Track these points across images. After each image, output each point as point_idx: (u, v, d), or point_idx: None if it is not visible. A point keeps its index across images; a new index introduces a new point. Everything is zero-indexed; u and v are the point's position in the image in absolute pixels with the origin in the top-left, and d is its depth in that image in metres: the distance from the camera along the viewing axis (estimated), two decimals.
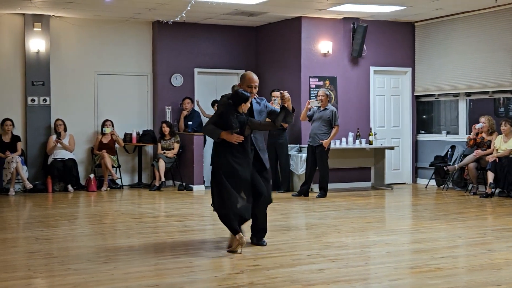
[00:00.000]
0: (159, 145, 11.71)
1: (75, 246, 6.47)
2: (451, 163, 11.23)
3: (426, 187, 11.71)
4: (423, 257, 5.89)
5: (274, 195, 10.64)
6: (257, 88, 6.35)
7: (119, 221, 8.12)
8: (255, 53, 12.80)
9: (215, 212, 6.21)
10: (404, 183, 12.39)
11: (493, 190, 10.15)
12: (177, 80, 12.20)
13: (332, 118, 10.23)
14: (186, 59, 12.24)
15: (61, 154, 11.16)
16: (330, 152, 10.47)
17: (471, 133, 10.77)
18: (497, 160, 10.15)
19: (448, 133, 11.99)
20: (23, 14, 11.21)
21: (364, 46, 11.65)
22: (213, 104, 11.90)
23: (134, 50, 12.12)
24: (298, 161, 10.98)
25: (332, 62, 11.64)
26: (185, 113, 11.93)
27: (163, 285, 4.91)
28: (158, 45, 12.05)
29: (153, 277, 5.23)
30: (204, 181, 11.35)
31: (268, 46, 12.44)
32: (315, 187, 10.66)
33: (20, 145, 11.10)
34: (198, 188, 11.24)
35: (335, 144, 10.99)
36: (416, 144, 12.49)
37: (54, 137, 11.22)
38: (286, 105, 6.28)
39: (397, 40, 12.21)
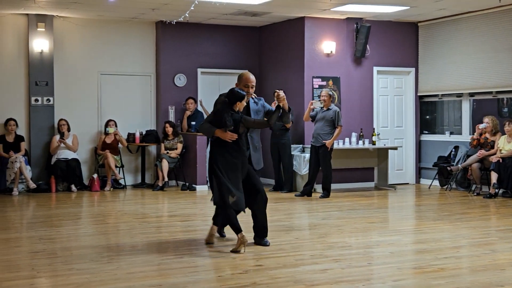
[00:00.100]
0: (162, 145, 11.72)
1: (79, 246, 6.48)
2: (454, 164, 11.21)
3: (429, 188, 11.70)
4: (427, 257, 5.89)
5: (277, 195, 10.69)
6: (253, 88, 6.41)
7: (122, 221, 8.12)
8: (258, 53, 12.80)
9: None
10: (408, 183, 12.38)
11: (496, 190, 10.13)
12: (180, 80, 12.21)
13: (335, 118, 10.22)
14: (189, 59, 12.25)
15: (65, 154, 11.18)
16: (333, 152, 10.47)
17: (475, 134, 10.76)
18: (501, 161, 10.13)
19: (451, 133, 11.97)
20: (27, 14, 11.23)
21: (368, 46, 11.65)
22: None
23: (137, 50, 12.14)
24: (301, 161, 10.98)
25: (335, 62, 11.63)
26: (188, 113, 11.94)
27: (166, 285, 4.92)
28: (162, 45, 12.06)
29: (156, 277, 5.24)
30: (207, 181, 11.34)
31: (271, 46, 12.44)
32: (318, 187, 10.66)
33: (23, 145, 11.12)
34: (201, 188, 11.24)
35: (338, 144, 10.98)
36: (419, 145, 12.48)
37: (57, 137, 11.24)
38: (281, 104, 6.30)
39: (401, 40, 12.20)
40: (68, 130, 11.34)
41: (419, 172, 12.48)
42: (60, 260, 5.76)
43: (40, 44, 11.30)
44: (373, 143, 11.42)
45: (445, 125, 12.38)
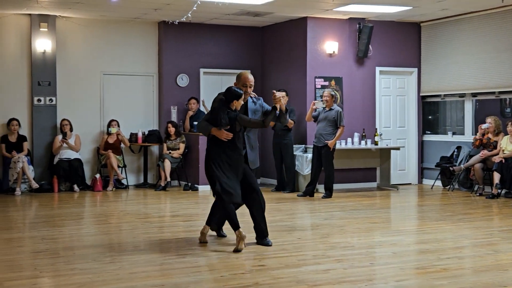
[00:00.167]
0: (165, 145, 11.73)
1: (81, 246, 6.48)
2: (457, 164, 11.20)
3: (432, 188, 11.69)
4: (429, 257, 5.88)
5: (279, 195, 10.69)
6: (252, 88, 6.47)
7: (125, 221, 8.13)
8: (261, 53, 12.80)
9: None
10: (410, 183, 12.37)
11: (499, 191, 10.12)
12: (183, 80, 12.22)
13: (337, 119, 10.22)
14: (192, 59, 12.25)
15: (67, 154, 11.19)
16: (336, 153, 10.46)
17: (477, 134, 10.75)
18: (503, 161, 10.12)
19: (454, 133, 11.96)
20: (30, 14, 11.24)
21: (370, 47, 11.64)
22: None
23: (140, 50, 12.14)
24: (304, 161, 10.98)
25: (337, 63, 11.63)
26: (190, 113, 11.94)
27: (168, 285, 4.92)
28: (164, 45, 12.07)
29: (159, 277, 5.24)
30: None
31: (274, 46, 12.44)
32: (321, 188, 10.65)
33: (26, 145, 11.14)
34: (203, 188, 11.23)
35: (341, 145, 10.98)
36: (422, 145, 12.47)
37: (60, 137, 11.25)
38: (277, 105, 6.32)
39: (403, 41, 12.19)
40: (71, 130, 11.35)
41: (422, 172, 12.47)
42: (63, 260, 5.77)
43: (43, 44, 11.31)
44: (376, 143, 11.41)
45: (448, 125, 12.37)
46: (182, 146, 11.68)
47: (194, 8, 9.80)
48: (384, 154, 11.67)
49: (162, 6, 10.36)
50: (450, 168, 11.15)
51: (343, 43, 11.64)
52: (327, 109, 10.32)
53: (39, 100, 11.36)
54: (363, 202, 9.78)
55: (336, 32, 11.60)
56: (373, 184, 11.87)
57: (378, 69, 11.99)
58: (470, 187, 11.04)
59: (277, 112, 6.37)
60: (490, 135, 10.61)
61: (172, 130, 11.65)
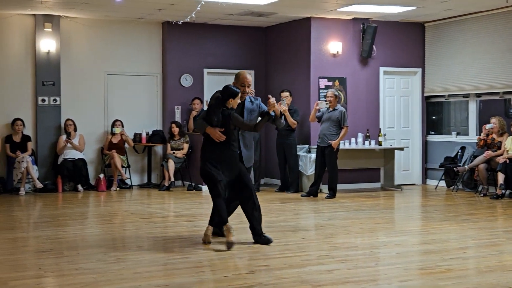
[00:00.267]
0: (169, 145, 11.74)
1: (85, 246, 6.49)
2: (461, 164, 11.18)
3: (435, 188, 11.67)
4: (433, 258, 5.88)
5: (283, 195, 10.68)
6: (250, 87, 6.59)
7: (129, 221, 8.14)
8: (265, 53, 12.80)
9: None
10: (414, 184, 12.35)
11: (503, 191, 10.10)
12: (187, 80, 12.23)
13: (341, 119, 10.21)
14: (196, 59, 12.26)
15: (71, 154, 11.20)
16: (339, 153, 10.46)
17: (481, 134, 10.72)
18: (508, 161, 10.10)
19: (458, 134, 11.94)
20: (34, 14, 11.26)
21: (374, 47, 11.63)
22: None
23: (144, 50, 12.16)
24: (307, 161, 10.97)
25: (341, 63, 11.62)
26: (194, 113, 11.94)
27: (172, 285, 4.92)
28: (168, 46, 12.08)
29: (163, 277, 5.25)
30: None
31: (278, 46, 12.44)
32: (324, 188, 10.65)
33: (30, 145, 11.16)
34: (207, 188, 11.21)
35: (344, 145, 10.97)
36: (426, 145, 12.45)
37: (64, 137, 11.27)
38: (271, 111, 6.38)
39: (407, 41, 12.17)
40: (75, 130, 11.37)
41: (426, 172, 12.46)
42: (67, 259, 5.77)
43: (47, 44, 11.33)
44: (379, 143, 11.40)
45: (452, 125, 12.35)
46: (186, 146, 11.69)
47: (198, 8, 9.81)
48: (388, 154, 11.66)
49: (166, 7, 10.37)
50: (454, 168, 11.13)
51: (347, 43, 11.63)
52: (330, 109, 10.32)
53: (43, 100, 11.38)
54: (367, 203, 9.77)
55: (340, 32, 11.59)
56: (377, 185, 11.86)
57: (382, 69, 11.98)
58: (474, 188, 11.02)
59: (272, 115, 6.42)
60: (494, 136, 10.59)
61: (176, 130, 11.66)
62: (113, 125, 11.58)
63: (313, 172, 10.65)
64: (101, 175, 11.24)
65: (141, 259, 5.81)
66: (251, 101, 6.62)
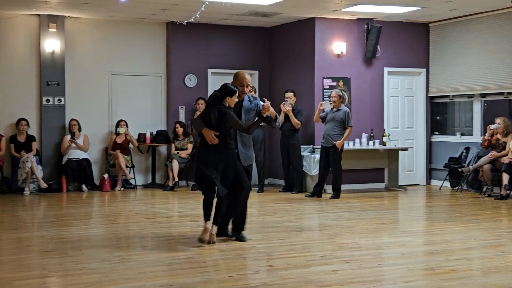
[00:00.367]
0: (173, 145, 11.75)
1: (90, 246, 6.50)
2: (465, 165, 11.16)
3: (440, 189, 11.65)
4: (438, 259, 5.87)
5: (287, 196, 10.68)
6: (249, 87, 6.65)
7: (133, 221, 8.14)
8: (269, 53, 12.80)
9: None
10: (418, 184, 12.34)
11: (508, 192, 10.07)
12: (191, 80, 12.23)
13: (345, 119, 10.21)
14: (200, 59, 12.27)
15: (76, 154, 11.22)
16: (344, 153, 10.45)
17: (486, 134, 10.70)
18: None
19: (462, 134, 11.92)
20: (39, 14, 11.29)
21: (378, 47, 11.62)
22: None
23: (148, 50, 12.17)
24: (311, 162, 10.97)
25: (345, 63, 11.61)
26: (198, 113, 11.92)
27: (176, 285, 4.93)
28: (172, 46, 12.09)
29: (167, 277, 5.25)
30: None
31: (282, 46, 12.44)
32: (328, 188, 10.64)
33: (35, 145, 11.18)
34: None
35: (349, 145, 10.96)
36: (430, 145, 12.43)
37: (68, 137, 11.29)
38: (264, 114, 6.42)
39: (411, 41, 12.15)
40: (79, 130, 11.39)
41: (430, 173, 12.44)
42: (71, 259, 5.78)
43: (52, 44, 11.35)
44: (384, 144, 11.38)
45: (456, 126, 12.33)
46: (190, 146, 11.69)
47: (202, 9, 9.81)
48: (392, 154, 11.64)
49: (170, 7, 10.38)
50: (459, 169, 11.11)
51: (351, 44, 11.63)
52: (334, 109, 10.31)
53: (47, 100, 11.40)
54: (371, 203, 9.76)
55: (344, 33, 11.58)
56: (381, 185, 11.85)
57: (386, 69, 11.96)
58: (479, 188, 11.00)
59: (269, 117, 6.46)
60: (499, 136, 10.57)
61: (180, 130, 11.67)
62: (118, 125, 11.59)
63: (317, 172, 10.64)
64: (106, 175, 11.25)
65: (145, 259, 5.82)
66: (249, 100, 6.66)
